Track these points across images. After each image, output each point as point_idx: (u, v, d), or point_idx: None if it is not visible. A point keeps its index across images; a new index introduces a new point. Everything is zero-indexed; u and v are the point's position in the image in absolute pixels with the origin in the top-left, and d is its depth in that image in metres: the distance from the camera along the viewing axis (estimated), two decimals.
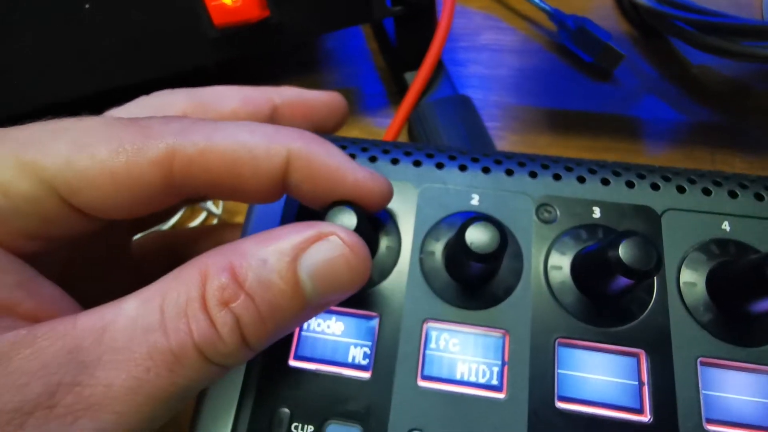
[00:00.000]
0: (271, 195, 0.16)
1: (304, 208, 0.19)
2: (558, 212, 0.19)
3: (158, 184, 0.14)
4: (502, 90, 0.39)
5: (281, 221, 0.19)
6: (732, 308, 0.17)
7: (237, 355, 0.13)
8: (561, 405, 0.16)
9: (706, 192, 0.19)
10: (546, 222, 0.19)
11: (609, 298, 0.17)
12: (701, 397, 0.16)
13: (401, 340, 0.17)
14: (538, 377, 0.16)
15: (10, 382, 0.11)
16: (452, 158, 0.20)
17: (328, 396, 0.16)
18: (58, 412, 0.11)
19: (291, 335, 0.17)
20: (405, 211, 0.19)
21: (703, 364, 0.16)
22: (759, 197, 0.18)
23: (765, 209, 0.18)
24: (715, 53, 0.35)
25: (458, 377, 0.17)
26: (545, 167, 0.20)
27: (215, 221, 0.34)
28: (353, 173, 0.16)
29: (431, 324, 0.17)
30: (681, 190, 0.19)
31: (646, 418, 0.16)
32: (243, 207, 0.35)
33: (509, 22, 0.42)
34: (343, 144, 0.21)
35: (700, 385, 0.16)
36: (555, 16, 0.39)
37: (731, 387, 0.16)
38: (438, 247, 0.18)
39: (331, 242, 0.14)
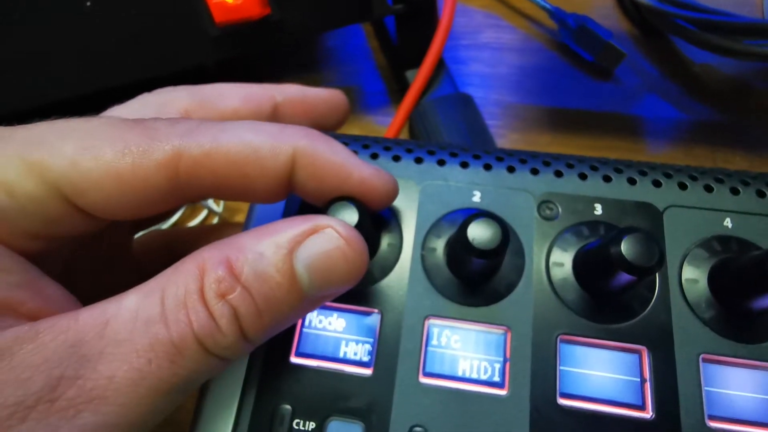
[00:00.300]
0: (277, 194, 0.16)
1: (305, 205, 0.19)
2: (559, 209, 0.19)
3: (164, 185, 0.14)
4: (503, 88, 0.39)
5: (283, 218, 0.19)
6: (734, 305, 0.17)
7: (236, 347, 0.13)
8: (563, 402, 0.16)
9: (708, 189, 0.19)
10: (547, 219, 0.19)
11: (611, 295, 0.17)
12: (703, 394, 0.16)
13: (403, 336, 0.17)
14: (539, 374, 0.16)
15: (12, 376, 0.11)
16: (454, 155, 0.20)
17: (330, 393, 0.16)
18: (60, 405, 0.11)
19: (292, 332, 0.17)
20: (406, 207, 0.19)
21: (705, 360, 0.16)
22: (761, 194, 0.18)
23: (767, 206, 0.18)
24: (716, 52, 0.35)
25: (460, 374, 0.17)
26: (547, 164, 0.20)
27: (216, 219, 0.34)
28: (359, 170, 0.16)
29: (433, 320, 0.17)
30: (683, 186, 0.19)
31: (648, 414, 0.16)
32: (244, 205, 0.35)
33: (510, 20, 0.42)
34: (345, 141, 0.21)
35: (702, 381, 0.16)
36: (556, 14, 0.39)
37: (733, 384, 0.16)
38: (439, 244, 0.18)
39: (328, 235, 0.14)
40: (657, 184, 0.19)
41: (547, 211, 0.19)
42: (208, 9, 0.29)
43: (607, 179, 0.19)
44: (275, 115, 0.21)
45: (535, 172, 0.19)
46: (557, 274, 0.18)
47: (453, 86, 0.35)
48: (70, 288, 0.15)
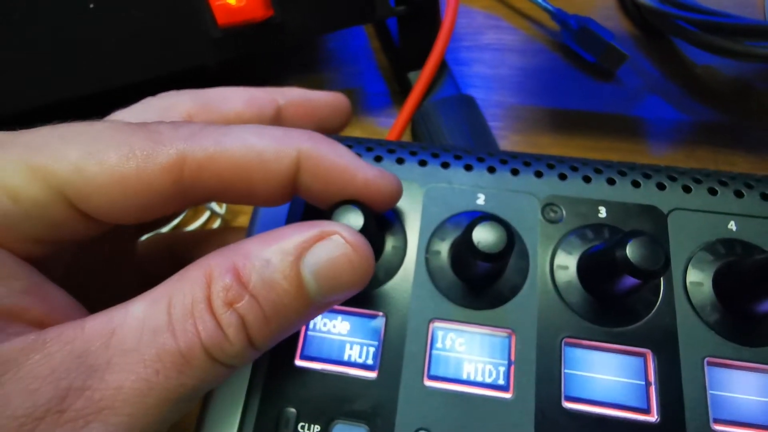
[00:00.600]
0: (281, 197, 0.16)
1: (309, 207, 0.19)
2: (564, 212, 0.19)
3: (168, 189, 0.14)
4: (505, 90, 0.39)
5: (287, 221, 0.19)
6: (739, 308, 0.17)
7: (243, 355, 0.13)
8: (568, 405, 0.16)
9: (712, 192, 0.19)
10: (552, 222, 0.19)
11: (615, 298, 0.17)
12: (708, 397, 0.16)
13: (407, 339, 0.17)
14: (544, 377, 0.16)
15: (20, 387, 0.11)
16: (458, 158, 0.20)
17: (335, 396, 0.16)
18: (68, 417, 0.11)
19: (297, 335, 0.17)
20: (411, 210, 0.19)
21: (710, 364, 0.16)
22: (765, 197, 0.18)
23: None
24: (718, 53, 0.35)
25: (465, 377, 0.17)
26: (551, 167, 0.20)
27: (218, 221, 0.34)
28: (363, 172, 0.16)
29: (437, 324, 0.17)
30: (687, 189, 0.19)
31: (653, 418, 0.16)
32: (246, 208, 0.35)
33: (512, 21, 0.42)
34: (349, 143, 0.21)
35: (707, 385, 0.16)
36: (558, 15, 0.39)
37: (738, 387, 0.16)
38: (444, 247, 0.18)
39: (334, 241, 0.14)
40: (661, 187, 0.19)
41: (552, 214, 0.19)
42: (211, 11, 0.29)
43: (611, 182, 0.19)
44: (278, 119, 0.21)
45: (539, 174, 0.19)
46: (562, 277, 0.18)
47: (455, 88, 0.35)
48: (72, 292, 0.15)
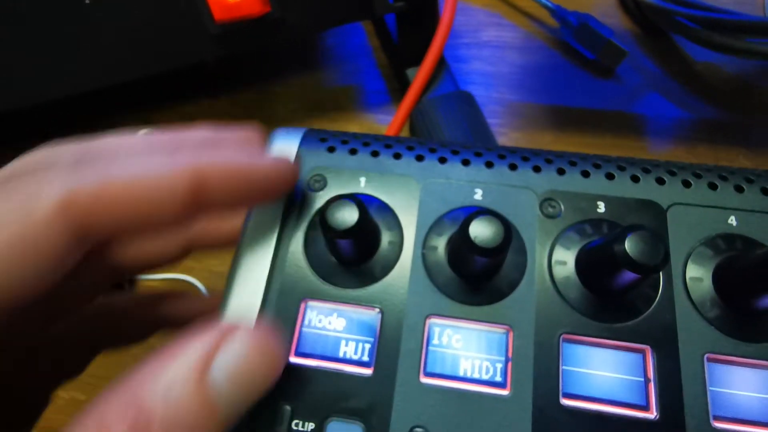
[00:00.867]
0: (184, 217, 0.15)
1: (305, 203, 0.19)
2: (562, 207, 0.18)
3: (57, 242, 0.12)
4: (504, 87, 0.38)
5: (283, 219, 0.19)
6: (739, 303, 0.16)
7: None
8: (566, 402, 0.16)
9: (712, 186, 0.18)
10: (550, 217, 0.18)
11: (614, 294, 0.17)
12: (708, 394, 0.16)
13: (403, 336, 0.17)
14: (542, 374, 0.16)
15: None
16: (455, 153, 0.20)
17: (330, 393, 0.16)
18: None
19: (292, 332, 0.17)
20: (407, 205, 0.19)
21: (710, 360, 0.16)
22: (765, 192, 0.18)
23: None
24: (718, 50, 0.35)
25: (461, 374, 0.16)
26: (549, 162, 0.19)
27: None
28: (260, 169, 0.16)
29: (434, 320, 0.17)
30: (687, 184, 0.18)
31: (652, 414, 0.15)
32: None
33: (511, 18, 0.42)
34: (345, 139, 0.20)
35: (707, 381, 0.16)
36: (557, 12, 0.39)
37: (739, 383, 0.16)
38: (441, 242, 0.18)
39: (239, 340, 0.13)
40: (660, 181, 0.19)
41: (550, 209, 0.18)
42: (208, 7, 0.29)
43: (610, 177, 0.19)
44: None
45: (537, 169, 0.19)
46: (560, 272, 0.17)
47: (454, 84, 0.35)
48: None
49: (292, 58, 0.40)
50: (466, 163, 0.19)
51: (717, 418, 0.15)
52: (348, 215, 0.15)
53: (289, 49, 0.41)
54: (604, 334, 0.16)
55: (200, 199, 0.15)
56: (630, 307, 0.17)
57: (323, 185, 0.19)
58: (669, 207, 0.18)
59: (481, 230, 0.15)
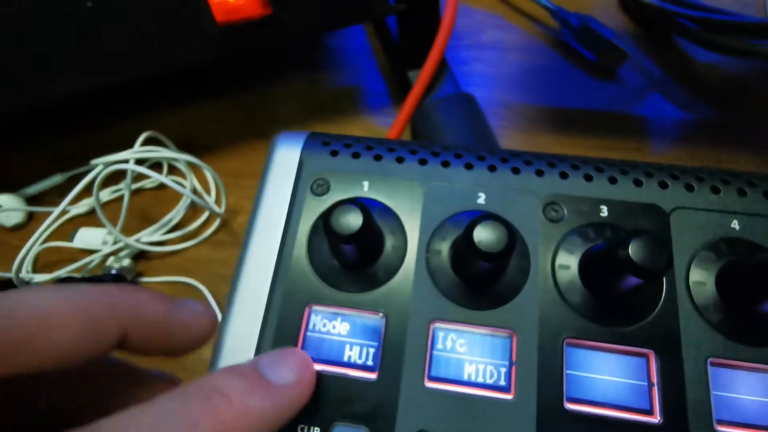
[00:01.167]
0: (105, 353, 0.14)
1: (308, 207, 0.19)
2: (565, 211, 0.18)
3: None
4: (505, 88, 0.38)
5: (286, 223, 0.19)
6: (742, 307, 0.16)
7: None
8: (570, 406, 0.16)
9: (715, 190, 0.18)
10: (553, 221, 0.18)
11: (617, 298, 0.17)
12: (711, 398, 0.16)
13: (408, 340, 0.17)
14: (546, 378, 0.16)
15: None
16: (458, 156, 0.20)
17: (335, 397, 0.16)
18: None
19: (296, 336, 0.17)
20: (411, 209, 0.19)
21: (713, 364, 0.16)
22: None
23: None
24: (720, 51, 0.35)
25: (465, 378, 0.16)
26: (552, 165, 0.19)
27: (217, 221, 0.34)
28: (180, 326, 0.15)
29: (438, 324, 0.17)
30: (689, 188, 0.19)
31: (655, 419, 0.16)
32: (247, 206, 0.35)
33: (512, 20, 0.42)
34: (348, 143, 0.20)
35: (710, 385, 0.16)
36: (558, 14, 0.39)
37: (742, 387, 0.16)
38: (444, 246, 0.18)
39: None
40: (663, 185, 0.19)
41: (553, 213, 0.18)
42: (209, 8, 0.29)
43: (612, 181, 0.19)
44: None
45: (540, 173, 0.19)
46: (563, 276, 0.17)
47: (455, 86, 0.35)
48: None
49: (292, 60, 0.40)
50: (469, 166, 0.19)
51: (720, 422, 0.15)
52: (352, 220, 0.15)
53: (290, 51, 0.41)
54: (607, 339, 0.16)
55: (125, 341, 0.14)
56: (633, 311, 0.17)
57: (326, 189, 0.19)
58: (672, 211, 0.18)
59: (485, 235, 0.15)
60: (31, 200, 0.36)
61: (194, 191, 0.35)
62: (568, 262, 0.18)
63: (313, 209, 0.19)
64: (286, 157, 0.20)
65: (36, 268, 0.34)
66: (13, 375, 0.13)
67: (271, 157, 0.20)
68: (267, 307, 0.18)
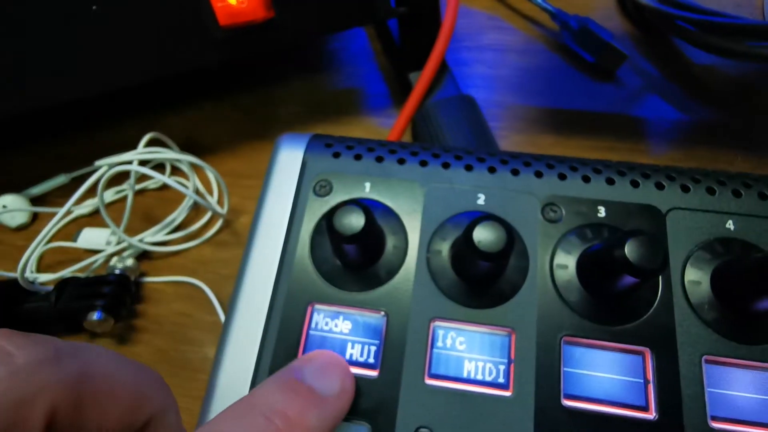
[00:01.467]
0: None
1: (311, 208, 0.19)
2: (563, 211, 0.19)
3: None
4: (505, 90, 0.39)
5: (289, 223, 0.19)
6: (736, 306, 0.17)
7: None
8: (567, 402, 0.16)
9: (711, 191, 0.19)
10: (551, 221, 0.19)
11: (614, 297, 0.17)
12: (706, 395, 0.16)
13: (408, 338, 0.17)
14: (544, 375, 0.16)
15: None
16: (458, 158, 0.20)
17: None
18: None
19: (299, 335, 0.18)
20: (411, 210, 0.19)
21: (707, 362, 0.16)
22: (762, 196, 0.19)
23: None
24: (718, 53, 0.35)
25: (465, 375, 0.17)
26: (550, 167, 0.20)
27: (220, 221, 0.34)
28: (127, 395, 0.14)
29: (438, 322, 0.17)
30: (685, 189, 0.19)
31: (651, 415, 0.16)
32: (249, 206, 0.35)
33: (512, 22, 0.42)
34: (350, 144, 0.21)
35: (705, 382, 0.16)
36: (558, 16, 0.39)
37: (736, 385, 0.16)
38: (445, 246, 0.18)
39: None
40: (660, 186, 0.19)
41: (551, 214, 0.19)
42: (213, 12, 0.29)
43: (610, 182, 0.19)
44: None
45: (539, 174, 0.19)
46: (561, 276, 0.18)
47: (456, 88, 0.36)
48: None
49: (294, 62, 0.41)
50: (469, 168, 0.20)
51: (715, 418, 0.16)
52: (355, 220, 0.16)
53: (292, 53, 0.41)
54: (604, 337, 0.17)
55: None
56: (630, 310, 0.17)
57: (329, 190, 0.20)
58: (668, 211, 0.18)
59: (484, 235, 0.15)
60: (35, 201, 0.36)
61: (197, 192, 0.35)
62: (566, 262, 0.18)
63: (315, 210, 0.19)
64: (289, 159, 0.21)
65: (40, 268, 0.34)
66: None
67: (274, 159, 0.21)
68: (270, 306, 0.18)
